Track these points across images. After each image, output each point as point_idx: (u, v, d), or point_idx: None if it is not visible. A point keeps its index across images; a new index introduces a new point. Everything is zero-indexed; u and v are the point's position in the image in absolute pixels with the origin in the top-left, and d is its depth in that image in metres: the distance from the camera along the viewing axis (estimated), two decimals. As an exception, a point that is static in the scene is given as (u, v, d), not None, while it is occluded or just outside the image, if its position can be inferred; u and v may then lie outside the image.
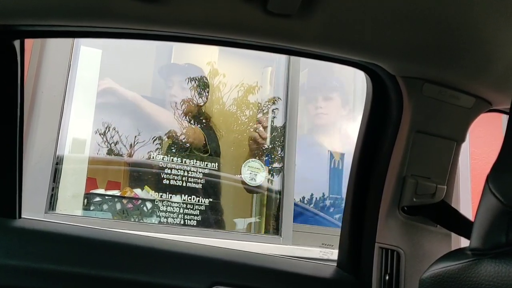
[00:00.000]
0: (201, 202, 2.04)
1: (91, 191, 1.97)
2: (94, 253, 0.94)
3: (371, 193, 1.15)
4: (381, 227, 1.13)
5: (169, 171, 2.02)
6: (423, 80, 1.05)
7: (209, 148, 2.11)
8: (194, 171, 2.02)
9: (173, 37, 0.92)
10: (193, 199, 2.03)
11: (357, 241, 1.18)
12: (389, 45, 0.96)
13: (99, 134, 2.06)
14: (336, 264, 1.23)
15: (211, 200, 2.05)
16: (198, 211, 2.01)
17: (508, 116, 1.20)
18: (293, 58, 2.35)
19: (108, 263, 0.93)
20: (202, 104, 2.13)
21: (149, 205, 1.97)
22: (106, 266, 0.93)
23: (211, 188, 1.99)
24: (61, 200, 1.91)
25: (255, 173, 2.14)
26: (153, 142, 2.03)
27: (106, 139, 2.04)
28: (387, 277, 1.11)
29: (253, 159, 2.16)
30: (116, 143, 2.05)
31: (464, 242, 0.84)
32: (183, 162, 2.03)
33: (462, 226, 1.13)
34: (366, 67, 1.05)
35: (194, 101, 2.12)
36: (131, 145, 2.01)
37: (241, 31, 0.91)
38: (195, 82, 2.16)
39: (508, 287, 0.67)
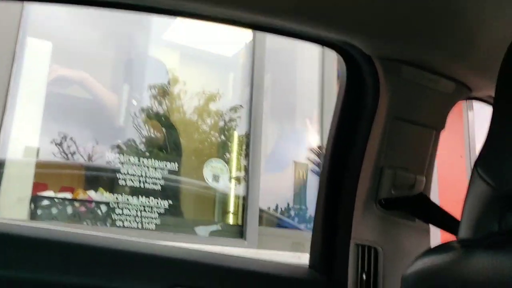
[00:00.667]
0: (160, 204, 1.91)
1: (39, 193, 1.80)
2: (35, 254, 0.81)
3: (346, 186, 1.06)
4: (357, 222, 1.05)
5: (125, 171, 1.89)
6: (402, 62, 0.97)
7: (169, 149, 2.01)
8: (153, 175, 1.89)
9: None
10: (152, 201, 1.90)
11: (331, 239, 1.09)
12: (364, 22, 0.88)
13: (54, 143, 1.91)
14: (308, 265, 1.13)
15: (171, 202, 1.93)
16: (157, 214, 1.88)
17: (491, 106, 1.14)
18: (257, 62, 2.28)
19: (54, 265, 0.80)
20: (162, 112, 2.02)
21: (104, 208, 1.82)
22: (52, 268, 0.80)
23: (171, 190, 1.88)
24: (4, 204, 1.74)
25: (218, 174, 2.03)
26: (111, 150, 1.89)
27: (60, 145, 1.89)
28: (364, 276, 1.02)
29: (216, 159, 2.06)
30: (69, 147, 1.91)
31: (443, 239, 0.78)
32: (141, 162, 1.90)
33: (443, 219, 1.05)
34: (339, 47, 0.96)
35: (153, 109, 2.00)
36: (88, 155, 1.87)
37: (208, 1, 0.81)
38: (155, 89, 2.05)
39: (504, 279, 0.59)
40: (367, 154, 1.03)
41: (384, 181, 1.02)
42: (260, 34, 2.23)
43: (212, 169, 2.02)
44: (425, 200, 1.07)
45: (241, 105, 2.16)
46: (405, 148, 1.04)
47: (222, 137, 2.13)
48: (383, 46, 0.94)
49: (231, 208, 2.08)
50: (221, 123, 2.17)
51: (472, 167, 0.68)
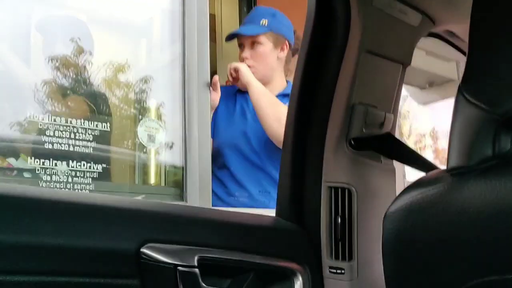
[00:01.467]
0: (93, 168, 1.75)
1: None
2: None
3: (315, 126, 1.00)
4: (328, 163, 1.00)
5: (51, 133, 1.70)
6: None
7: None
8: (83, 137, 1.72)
9: None
10: (84, 165, 1.74)
11: (300, 184, 1.03)
12: None
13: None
14: (275, 214, 1.07)
15: (104, 166, 1.78)
16: (90, 179, 1.73)
17: (446, 43, 1.12)
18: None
19: (9, 224, 0.67)
20: (66, 85, 1.83)
21: (27, 175, 1.63)
22: (7, 227, 0.66)
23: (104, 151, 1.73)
24: None
25: (154, 133, 1.90)
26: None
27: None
28: (339, 220, 0.98)
29: (150, 118, 1.92)
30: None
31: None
32: (69, 122, 1.72)
33: (413, 158, 1.03)
34: None
35: (56, 82, 1.81)
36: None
37: None
38: (57, 61, 1.85)
39: (502, 205, 0.57)
40: (338, 91, 0.97)
41: (355, 119, 0.97)
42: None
43: (146, 129, 1.88)
44: (394, 138, 1.05)
45: (151, 77, 2.02)
46: (375, 84, 1.00)
47: (132, 110, 1.98)
48: None
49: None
50: (131, 95, 2.01)
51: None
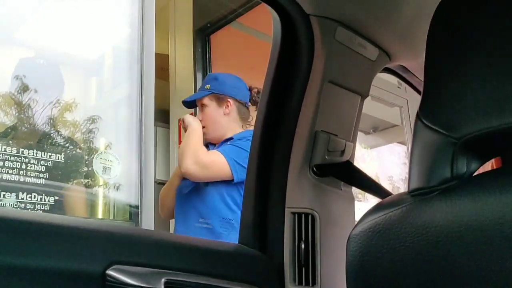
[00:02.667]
0: (45, 200, 1.68)
1: None
2: None
3: (279, 153, 1.03)
4: (292, 189, 1.01)
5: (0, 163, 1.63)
6: (337, 23, 0.97)
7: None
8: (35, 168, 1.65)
9: None
10: (35, 197, 1.67)
11: (263, 210, 1.04)
12: None
13: None
14: (238, 241, 1.06)
15: (57, 198, 1.71)
16: (41, 212, 1.66)
17: (398, 77, 1.19)
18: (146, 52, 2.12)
19: None
20: (8, 123, 1.78)
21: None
22: None
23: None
24: None
25: (109, 166, 1.86)
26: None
27: None
28: (302, 245, 0.99)
29: (106, 151, 1.88)
30: None
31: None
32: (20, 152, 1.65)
33: (371, 185, 1.07)
34: (278, 4, 0.93)
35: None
36: None
37: None
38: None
39: (461, 223, 0.60)
40: (301, 119, 1.00)
41: (318, 146, 1.00)
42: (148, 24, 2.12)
43: (102, 161, 1.84)
44: (353, 166, 1.08)
45: (99, 116, 2.01)
46: (336, 113, 1.04)
47: (78, 150, 1.95)
48: (322, 4, 0.93)
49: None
50: (78, 135, 1.97)
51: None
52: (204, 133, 2.26)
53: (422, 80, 1.28)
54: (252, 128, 2.31)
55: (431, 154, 0.65)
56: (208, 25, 4.02)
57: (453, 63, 0.62)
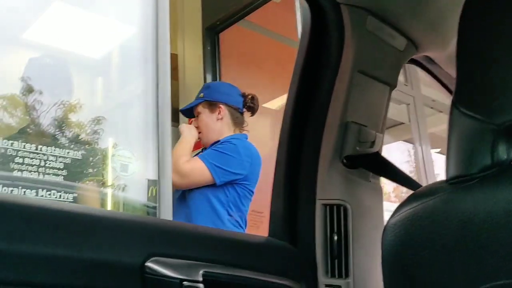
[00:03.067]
0: (64, 198, 1.68)
1: None
2: None
3: (309, 144, 1.01)
4: (322, 181, 1.00)
5: (20, 160, 1.62)
6: (368, 12, 0.96)
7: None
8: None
9: None
10: (53, 194, 1.66)
11: (293, 202, 1.03)
12: None
13: None
14: (268, 234, 1.05)
15: (75, 195, 1.71)
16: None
17: (422, 69, 1.17)
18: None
19: (15, 233, 0.63)
20: (14, 125, 1.78)
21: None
22: (14, 237, 0.63)
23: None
24: None
25: (127, 163, 1.86)
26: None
27: None
28: (335, 237, 0.98)
29: (122, 148, 1.88)
30: None
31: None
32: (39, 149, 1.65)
33: (402, 176, 1.06)
34: None
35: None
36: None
37: None
38: (3, 100, 1.80)
39: (504, 211, 0.59)
40: (332, 109, 0.99)
41: (349, 137, 0.99)
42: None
43: (119, 158, 1.84)
44: (382, 157, 1.07)
45: (103, 117, 2.01)
46: (366, 104, 1.03)
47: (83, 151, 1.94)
48: None
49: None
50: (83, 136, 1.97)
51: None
52: (200, 139, 2.40)
53: (447, 70, 1.27)
54: (246, 132, 2.43)
55: (469, 141, 0.64)
56: (218, 23, 4.01)
57: (490, 49, 0.61)
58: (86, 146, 1.85)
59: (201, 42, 4.00)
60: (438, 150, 5.33)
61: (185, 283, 0.75)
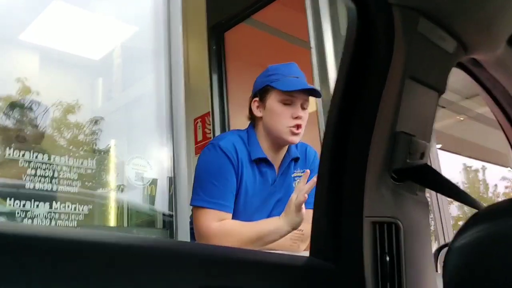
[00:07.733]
0: (79, 210, 1.60)
1: None
2: (34, 255, 0.55)
3: (354, 157, 0.94)
4: (370, 196, 0.92)
5: (33, 172, 1.54)
6: (420, 13, 0.88)
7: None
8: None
9: None
10: (68, 206, 1.58)
11: (337, 220, 0.95)
12: None
13: None
14: (309, 254, 0.98)
15: (90, 207, 1.63)
16: (76, 222, 1.57)
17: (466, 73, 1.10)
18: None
19: (60, 268, 0.55)
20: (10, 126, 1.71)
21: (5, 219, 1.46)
22: (59, 271, 0.55)
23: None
24: None
25: (142, 171, 1.78)
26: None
27: None
28: (386, 257, 0.90)
29: (138, 156, 1.80)
30: None
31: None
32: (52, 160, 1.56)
33: (455, 190, 0.98)
34: None
35: None
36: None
37: None
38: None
39: None
40: (380, 118, 0.91)
41: (399, 148, 0.92)
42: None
43: (134, 167, 1.76)
44: (433, 170, 1.00)
45: (101, 117, 1.93)
46: (415, 112, 0.95)
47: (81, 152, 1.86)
48: None
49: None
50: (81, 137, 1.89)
51: None
52: (298, 135, 2.03)
53: (492, 73, 1.19)
54: None
55: None
56: (223, 22, 3.93)
57: None
58: (101, 154, 1.78)
59: (206, 41, 3.92)
60: (439, 146, 5.32)
61: None
